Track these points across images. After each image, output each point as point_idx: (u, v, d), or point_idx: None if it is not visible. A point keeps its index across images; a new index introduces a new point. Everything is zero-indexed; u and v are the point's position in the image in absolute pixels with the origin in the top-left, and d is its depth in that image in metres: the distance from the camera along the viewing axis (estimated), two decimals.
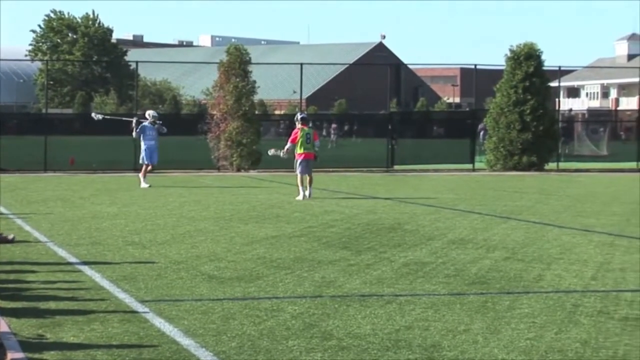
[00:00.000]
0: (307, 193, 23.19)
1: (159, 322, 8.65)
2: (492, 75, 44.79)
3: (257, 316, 8.96)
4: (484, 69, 48.36)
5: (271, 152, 25.33)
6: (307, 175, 23.49)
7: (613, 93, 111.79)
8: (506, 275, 11.48)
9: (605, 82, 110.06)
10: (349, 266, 12.12)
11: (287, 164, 27.92)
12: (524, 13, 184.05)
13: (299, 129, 23.67)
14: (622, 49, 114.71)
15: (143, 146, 27.94)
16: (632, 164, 44.58)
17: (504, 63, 42.94)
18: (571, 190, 28.04)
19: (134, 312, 9.14)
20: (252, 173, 35.88)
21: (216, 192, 25.48)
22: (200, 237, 15.18)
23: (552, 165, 42.44)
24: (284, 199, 23.30)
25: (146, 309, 9.24)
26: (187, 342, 7.93)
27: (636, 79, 74.44)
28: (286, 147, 24.01)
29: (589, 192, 27.34)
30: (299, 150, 23.54)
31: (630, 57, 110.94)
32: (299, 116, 24.81)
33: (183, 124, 49.86)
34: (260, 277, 11.26)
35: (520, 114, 41.71)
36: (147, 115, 28.77)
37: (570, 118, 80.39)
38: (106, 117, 34.96)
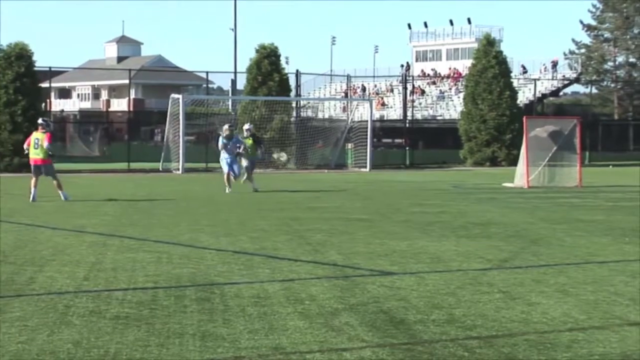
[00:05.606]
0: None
1: None
2: None
3: None
4: None
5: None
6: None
7: (104, 94, 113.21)
8: None
9: (96, 83, 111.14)
10: None
11: None
12: (14, 12, 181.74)
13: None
14: (112, 51, 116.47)
15: None
16: (124, 164, 45.59)
17: None
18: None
19: None
20: None
21: None
22: None
23: None
24: None
25: None
26: None
27: (126, 81, 75.54)
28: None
29: (82, 193, 27.50)
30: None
31: (120, 59, 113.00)
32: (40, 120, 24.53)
33: None
34: None
35: (11, 114, 41.23)
36: None
37: (63, 119, 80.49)
38: None
